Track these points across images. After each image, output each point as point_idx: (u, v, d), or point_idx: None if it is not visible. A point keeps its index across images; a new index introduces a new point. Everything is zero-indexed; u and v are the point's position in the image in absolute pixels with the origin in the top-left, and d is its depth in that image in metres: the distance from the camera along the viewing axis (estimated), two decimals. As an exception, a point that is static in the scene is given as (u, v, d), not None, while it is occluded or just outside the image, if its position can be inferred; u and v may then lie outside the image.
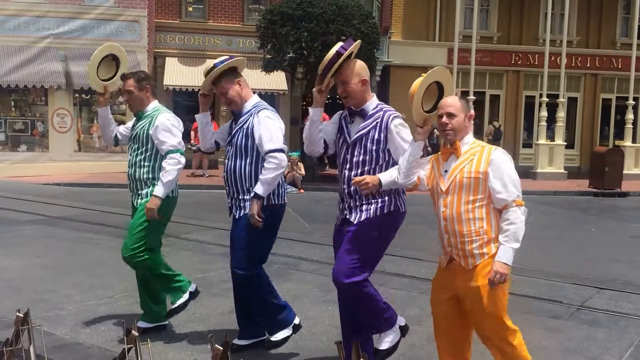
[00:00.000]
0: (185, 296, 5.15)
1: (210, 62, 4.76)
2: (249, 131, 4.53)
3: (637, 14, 21.37)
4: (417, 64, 22.06)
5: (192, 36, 22.00)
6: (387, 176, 3.94)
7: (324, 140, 4.30)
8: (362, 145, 4.10)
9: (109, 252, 8.26)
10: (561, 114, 20.53)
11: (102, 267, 7.46)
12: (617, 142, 22.70)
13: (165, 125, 4.92)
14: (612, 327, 5.81)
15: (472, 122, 3.76)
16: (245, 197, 4.56)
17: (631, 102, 21.16)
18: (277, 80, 20.55)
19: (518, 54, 22.97)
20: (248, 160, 4.53)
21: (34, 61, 18.36)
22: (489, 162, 3.52)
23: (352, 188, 4.07)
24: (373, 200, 4.08)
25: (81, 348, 4.88)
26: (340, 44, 4.10)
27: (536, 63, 22.48)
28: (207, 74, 4.60)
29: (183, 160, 4.95)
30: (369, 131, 4.10)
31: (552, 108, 20.65)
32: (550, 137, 20.89)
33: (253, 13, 22.34)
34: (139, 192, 5.01)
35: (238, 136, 4.59)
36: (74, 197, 13.96)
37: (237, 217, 4.62)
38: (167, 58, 21.60)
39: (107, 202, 13.09)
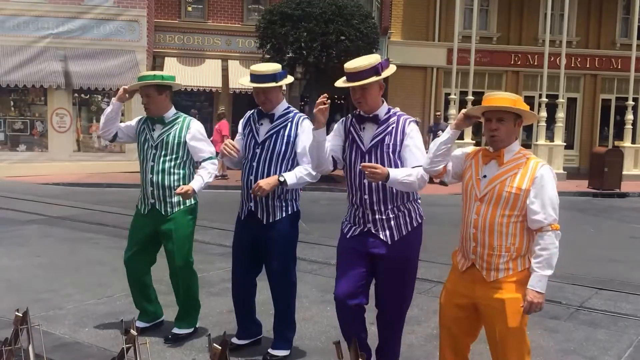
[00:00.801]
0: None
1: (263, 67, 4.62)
2: (290, 139, 4.52)
3: (637, 15, 21.37)
4: (416, 64, 22.15)
5: (192, 36, 22.05)
6: (395, 172, 3.79)
7: (332, 157, 4.17)
8: (379, 152, 3.99)
9: (107, 251, 8.34)
10: (561, 114, 20.55)
11: (101, 267, 7.49)
12: (616, 143, 22.70)
13: (202, 134, 5.03)
14: (611, 328, 5.82)
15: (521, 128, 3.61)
16: (276, 202, 4.56)
17: (631, 102, 21.15)
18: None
19: (517, 55, 22.96)
20: (284, 167, 4.51)
21: (34, 61, 18.40)
22: (532, 179, 3.37)
23: (374, 198, 4.00)
24: (400, 214, 4.05)
25: (80, 347, 4.89)
26: (378, 57, 4.00)
27: (536, 63, 22.47)
28: (260, 78, 4.52)
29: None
30: (384, 137, 4.00)
31: (552, 108, 20.67)
32: (550, 137, 20.90)
33: (252, 13, 22.37)
34: (168, 200, 4.95)
35: (274, 141, 4.53)
36: (73, 197, 14.00)
37: (264, 222, 4.59)
38: (166, 58, 21.71)
39: (106, 202, 13.13)
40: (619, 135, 21.93)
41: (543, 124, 20.30)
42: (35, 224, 10.43)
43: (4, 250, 8.34)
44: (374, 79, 3.89)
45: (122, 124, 5.27)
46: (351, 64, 3.96)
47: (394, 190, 3.98)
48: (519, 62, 23.04)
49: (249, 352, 4.83)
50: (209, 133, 21.28)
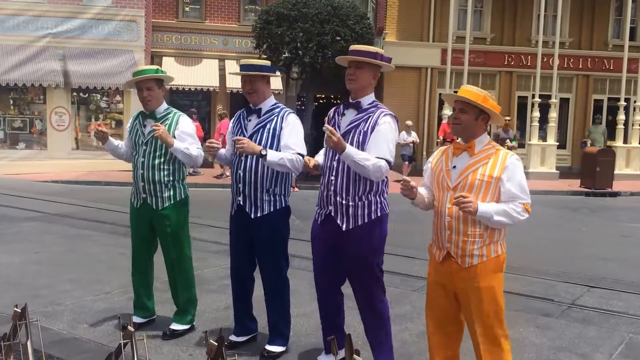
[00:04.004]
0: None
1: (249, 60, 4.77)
2: (276, 132, 4.55)
3: (629, 16, 21.48)
4: (411, 64, 22.21)
5: (189, 36, 22.13)
6: (353, 150, 3.86)
7: None
8: (350, 137, 4.08)
9: (106, 248, 8.38)
10: (553, 114, 20.59)
11: (99, 264, 7.53)
12: (608, 143, 22.81)
13: (190, 129, 5.08)
14: (602, 325, 5.85)
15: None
16: (264, 196, 4.58)
17: (622, 103, 21.20)
18: (273, 80, 20.62)
19: (511, 55, 23.02)
20: None
21: (33, 60, 18.49)
22: (503, 168, 3.51)
23: (339, 181, 4.10)
24: (359, 203, 4.10)
25: (78, 343, 4.93)
26: (381, 50, 4.20)
27: (529, 64, 22.54)
28: (247, 67, 4.63)
29: (201, 161, 5.16)
30: (359, 124, 4.10)
31: (545, 108, 20.71)
32: (543, 137, 20.97)
33: (249, 13, 22.46)
34: (159, 194, 5.02)
35: (260, 135, 4.56)
36: (71, 195, 14.00)
37: (252, 217, 4.61)
38: (164, 57, 21.75)
39: (104, 200, 13.12)
40: (611, 135, 22.03)
41: (536, 123, 20.37)
42: (34, 221, 10.45)
43: (3, 247, 8.37)
44: (369, 60, 4.09)
45: (120, 142, 5.41)
46: (356, 46, 4.22)
47: (359, 178, 4.06)
48: (512, 63, 23.10)
49: (246, 348, 4.85)
50: (208, 132, 21.45)
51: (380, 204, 4.18)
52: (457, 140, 3.72)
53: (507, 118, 18.13)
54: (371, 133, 4.05)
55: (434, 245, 3.77)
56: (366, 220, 4.12)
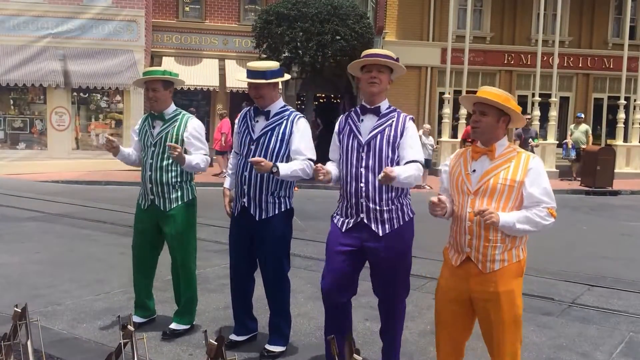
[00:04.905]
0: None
1: (256, 64, 4.71)
2: (285, 137, 4.54)
3: (629, 15, 21.48)
4: (411, 63, 22.11)
5: (189, 36, 22.13)
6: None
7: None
8: (377, 143, 4.08)
9: (106, 248, 8.39)
10: (553, 113, 20.63)
11: (99, 263, 7.54)
12: (609, 141, 22.78)
13: (198, 132, 5.08)
14: (602, 324, 5.85)
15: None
16: (269, 199, 4.59)
17: (622, 101, 21.21)
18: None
19: (511, 54, 23.03)
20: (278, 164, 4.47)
21: (33, 60, 18.49)
22: (526, 171, 3.43)
23: (370, 187, 4.07)
24: (393, 207, 4.12)
25: (78, 343, 4.93)
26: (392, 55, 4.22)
27: (529, 63, 22.55)
28: (252, 74, 4.60)
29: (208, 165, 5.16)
30: (384, 129, 4.10)
31: (545, 107, 20.73)
32: (543, 135, 20.94)
33: (249, 13, 22.46)
34: (167, 196, 5.04)
35: (269, 138, 4.55)
36: (72, 195, 14.00)
37: (257, 218, 4.61)
38: (164, 57, 21.72)
39: (104, 200, 13.12)
40: (611, 134, 22.01)
41: (536, 122, 20.36)
42: (35, 221, 10.45)
43: (3, 246, 8.36)
44: (392, 62, 4.12)
45: (130, 149, 5.41)
46: (373, 50, 4.25)
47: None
48: (512, 62, 23.11)
49: (246, 348, 4.85)
50: (208, 131, 21.47)
51: (409, 206, 4.24)
52: (477, 144, 3.63)
53: (528, 116, 17.45)
54: (401, 137, 4.08)
55: (452, 249, 3.69)
56: (402, 223, 4.15)
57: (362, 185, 4.08)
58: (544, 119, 20.76)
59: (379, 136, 4.09)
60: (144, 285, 5.33)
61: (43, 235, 9.33)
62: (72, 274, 7.03)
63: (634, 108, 21.55)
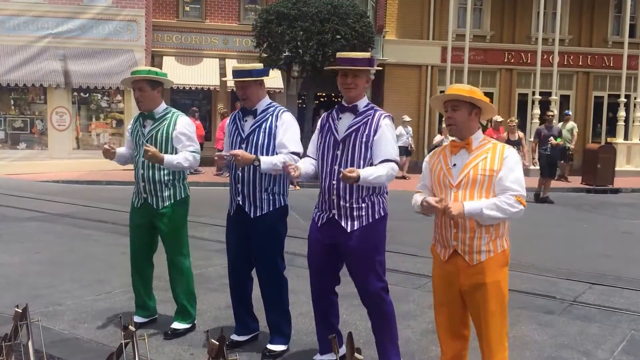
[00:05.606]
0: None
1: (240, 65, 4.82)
2: (271, 131, 4.60)
3: (629, 13, 21.53)
4: (411, 62, 22.27)
5: (189, 35, 22.14)
6: (365, 173, 3.91)
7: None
8: (352, 141, 4.14)
9: (106, 248, 8.39)
10: (554, 111, 20.64)
11: (100, 263, 7.55)
12: (609, 139, 22.76)
13: (188, 130, 5.09)
14: (604, 322, 5.85)
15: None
16: (263, 196, 4.62)
17: (623, 99, 21.26)
18: (274, 79, 20.72)
19: (511, 53, 23.07)
20: None
21: (33, 60, 18.47)
22: (502, 160, 3.54)
23: (341, 184, 4.09)
24: (363, 205, 4.15)
25: (79, 343, 4.94)
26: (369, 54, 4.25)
27: (529, 61, 22.59)
28: (238, 74, 4.68)
29: (198, 163, 5.18)
30: (359, 127, 4.14)
31: (545, 105, 20.71)
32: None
33: (249, 12, 22.48)
34: (159, 194, 5.07)
35: (257, 135, 4.61)
36: (72, 195, 14.01)
37: (252, 216, 4.65)
38: (164, 57, 21.76)
39: (105, 200, 13.12)
40: (612, 132, 22.01)
41: (537, 121, 20.42)
42: (35, 221, 10.46)
43: (3, 246, 8.37)
44: (367, 68, 4.16)
45: (124, 148, 5.49)
46: (346, 53, 4.28)
47: None
48: (512, 60, 23.15)
49: (248, 347, 4.85)
50: (209, 131, 21.47)
51: (382, 204, 4.24)
52: (454, 139, 3.73)
53: (550, 113, 16.18)
54: (374, 136, 4.11)
55: (438, 245, 3.78)
56: (370, 220, 4.17)
57: (334, 182, 4.16)
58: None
59: (353, 134, 4.15)
60: (141, 284, 5.35)
61: (43, 235, 9.33)
62: (73, 274, 7.03)
63: (634, 106, 21.58)
